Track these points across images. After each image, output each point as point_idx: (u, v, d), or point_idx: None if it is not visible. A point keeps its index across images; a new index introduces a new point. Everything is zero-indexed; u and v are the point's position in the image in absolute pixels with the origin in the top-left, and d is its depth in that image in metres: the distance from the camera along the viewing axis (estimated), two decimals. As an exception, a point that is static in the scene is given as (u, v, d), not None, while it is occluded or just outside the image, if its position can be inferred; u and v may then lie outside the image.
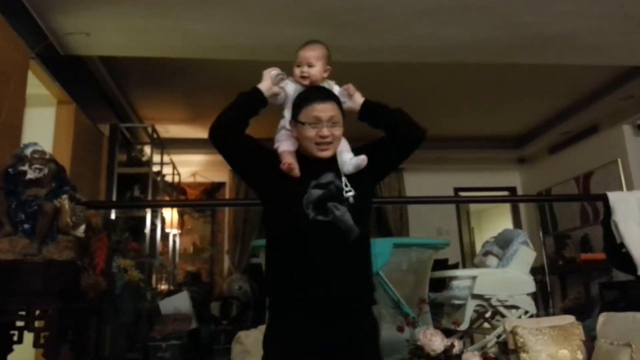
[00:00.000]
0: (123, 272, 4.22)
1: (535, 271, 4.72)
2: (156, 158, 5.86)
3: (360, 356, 1.60)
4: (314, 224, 1.59)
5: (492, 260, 3.43)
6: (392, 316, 3.06)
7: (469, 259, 7.26)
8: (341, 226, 1.59)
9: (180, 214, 7.03)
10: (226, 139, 1.73)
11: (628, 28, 3.65)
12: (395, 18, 3.45)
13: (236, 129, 1.73)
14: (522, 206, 7.53)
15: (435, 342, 2.45)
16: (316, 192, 1.61)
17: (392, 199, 6.96)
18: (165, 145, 6.10)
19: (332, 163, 1.68)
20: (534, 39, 3.79)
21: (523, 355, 2.46)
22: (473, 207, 7.85)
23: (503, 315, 3.24)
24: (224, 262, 7.06)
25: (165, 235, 6.35)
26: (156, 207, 5.49)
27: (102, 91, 4.86)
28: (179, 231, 6.86)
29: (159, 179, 5.84)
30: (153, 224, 5.38)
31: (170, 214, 6.50)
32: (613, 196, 3.21)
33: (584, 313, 4.75)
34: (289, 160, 1.65)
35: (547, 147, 6.86)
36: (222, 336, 5.66)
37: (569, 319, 2.79)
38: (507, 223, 7.60)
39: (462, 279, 3.29)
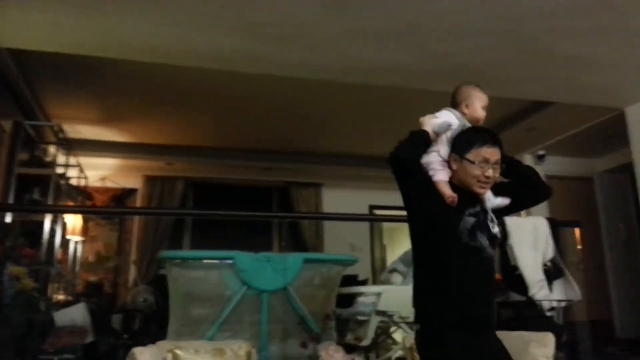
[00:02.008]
0: (15, 279, 3.93)
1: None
2: (62, 159, 5.53)
3: None
4: (466, 248, 1.83)
5: (396, 277, 3.54)
6: (297, 332, 3.06)
7: (379, 275, 7.44)
8: (484, 252, 1.85)
9: (85, 220, 6.64)
10: (407, 164, 1.94)
11: (532, 63, 3.93)
12: (319, 36, 3.50)
13: (415, 158, 1.95)
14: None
15: (336, 358, 2.47)
16: (470, 220, 1.86)
17: (309, 215, 7.01)
18: (73, 146, 5.77)
19: (477, 195, 1.92)
20: (446, 68, 3.99)
21: (420, 371, 2.53)
22: (386, 224, 8.07)
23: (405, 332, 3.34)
24: (129, 272, 6.75)
25: (65, 242, 5.98)
26: (60, 212, 5.16)
27: (8, 85, 4.52)
28: (82, 238, 6.48)
29: (62, 181, 5.50)
30: (52, 230, 5.04)
31: (72, 220, 6.13)
32: (510, 221, 3.42)
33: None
34: (451, 194, 1.86)
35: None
36: (122, 351, 5.38)
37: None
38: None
39: (367, 295, 3.36)
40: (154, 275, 6.52)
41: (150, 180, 6.99)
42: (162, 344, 2.53)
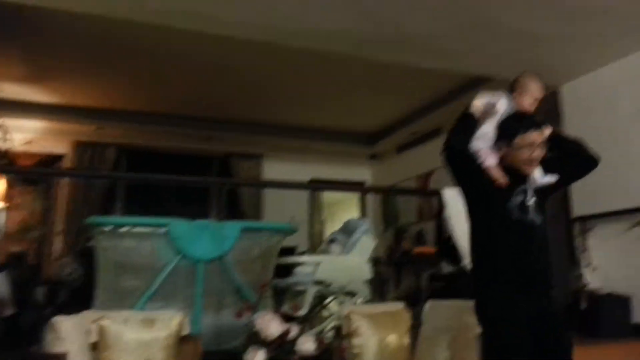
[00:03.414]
0: None
1: (376, 262, 4.96)
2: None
3: (555, 320, 2.06)
4: (518, 223, 2.03)
5: (335, 247, 3.52)
6: (233, 303, 2.98)
7: (317, 248, 7.46)
8: (534, 225, 2.05)
9: (10, 185, 6.20)
10: (461, 154, 2.11)
11: (476, 36, 3.94)
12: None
13: (465, 146, 2.11)
14: (369, 201, 7.92)
15: (272, 327, 2.42)
16: (519, 198, 2.05)
17: (250, 182, 6.87)
18: (-5, 105, 5.36)
19: (525, 175, 2.09)
20: (391, 36, 3.94)
21: (355, 339, 2.53)
22: (326, 198, 8.06)
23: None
24: (55, 243, 6.38)
25: (-14, 209, 5.56)
26: None
27: None
28: (5, 204, 6.05)
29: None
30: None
31: (-7, 186, 5.70)
32: (447, 192, 3.46)
33: (415, 301, 5.12)
34: (501, 177, 2.04)
35: (396, 146, 7.29)
36: (45, 325, 5.10)
37: (399, 305, 2.96)
38: (355, 215, 7.96)
39: (306, 265, 3.32)
40: (82, 247, 6.20)
41: (79, 146, 6.60)
42: (86, 314, 2.39)
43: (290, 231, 3.33)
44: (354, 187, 7.88)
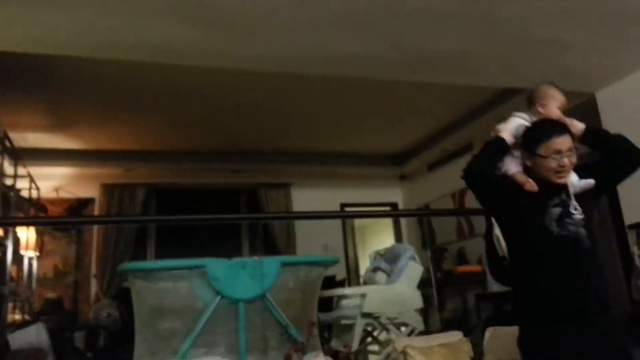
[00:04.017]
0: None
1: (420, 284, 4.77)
2: (9, 170, 5.10)
3: (615, 349, 1.82)
4: (559, 238, 1.83)
5: (381, 276, 3.35)
6: (279, 342, 2.82)
7: (354, 274, 7.26)
8: (579, 240, 1.84)
9: (40, 234, 6.22)
10: (482, 181, 1.99)
11: (504, 50, 3.81)
12: (285, 26, 3.27)
13: (489, 171, 1.98)
14: (403, 221, 7.73)
15: (326, 370, 2.26)
16: (556, 211, 1.86)
17: (279, 215, 6.77)
18: (22, 156, 5.37)
19: (560, 184, 1.90)
20: (415, 57, 3.83)
21: (415, 376, 2.35)
22: (357, 222, 7.92)
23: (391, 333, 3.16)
24: (90, 287, 6.35)
25: (19, 258, 5.55)
26: (10, 224, 4.71)
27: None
28: (37, 253, 6.05)
29: (11, 194, 5.08)
30: (2, 246, 4.63)
31: (26, 234, 5.70)
32: (494, 210, 3.27)
33: (464, 323, 4.88)
34: (528, 180, 1.90)
35: (426, 164, 7.12)
36: (87, 371, 5.03)
37: (457, 335, 2.77)
38: (389, 237, 7.77)
39: (351, 297, 3.15)
40: (118, 289, 6.15)
41: (108, 189, 6.61)
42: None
43: (331, 262, 3.18)
44: (385, 213, 7.71)
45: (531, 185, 1.88)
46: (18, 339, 4.23)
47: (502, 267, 3.23)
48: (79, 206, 6.58)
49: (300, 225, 6.97)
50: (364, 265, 6.89)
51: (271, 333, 2.85)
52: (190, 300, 2.99)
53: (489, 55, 3.90)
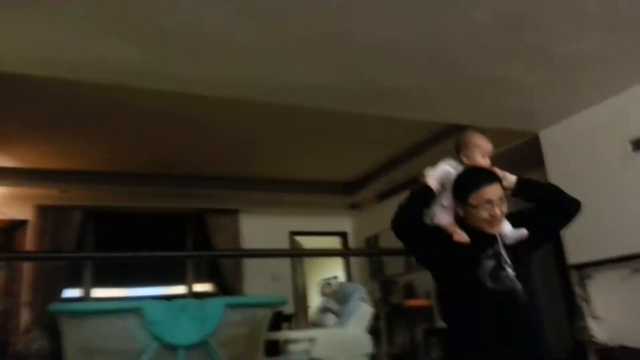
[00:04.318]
0: None
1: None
2: None
3: None
4: (494, 293, 1.74)
5: (330, 318, 3.24)
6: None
7: (302, 304, 7.12)
8: (514, 294, 1.74)
9: (-35, 258, 5.76)
10: (410, 232, 1.92)
11: (456, 86, 3.85)
12: (241, 50, 3.16)
13: (417, 222, 1.91)
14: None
15: None
16: (489, 263, 1.77)
17: (228, 253, 6.56)
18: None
19: (494, 235, 1.82)
20: (370, 89, 3.82)
21: None
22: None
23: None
24: (21, 315, 5.89)
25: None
26: None
27: None
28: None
29: None
30: None
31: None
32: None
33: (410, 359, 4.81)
34: (457, 231, 1.82)
35: (376, 194, 7.12)
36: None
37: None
38: (338, 265, 7.70)
39: (299, 342, 3.02)
40: (50, 318, 5.74)
41: (42, 210, 6.21)
42: None
43: (278, 304, 3.05)
44: (335, 251, 7.64)
45: (459, 236, 1.81)
46: None
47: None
48: (11, 227, 6.14)
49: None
50: (313, 294, 6.77)
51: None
52: (126, 341, 2.80)
53: (439, 91, 3.94)
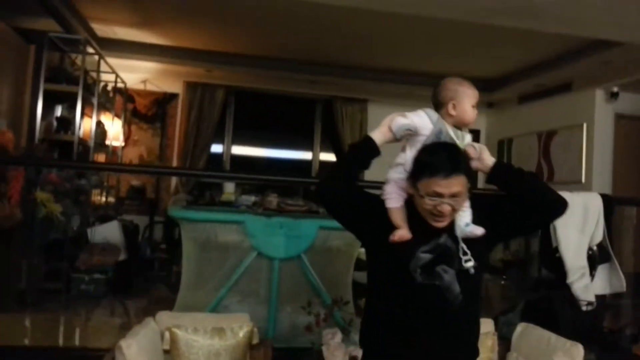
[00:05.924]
0: (42, 205, 3.97)
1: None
2: (93, 65, 5.33)
3: None
4: (422, 290, 1.50)
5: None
6: (312, 302, 2.89)
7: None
8: (446, 292, 1.50)
9: (128, 123, 6.63)
10: (336, 200, 1.64)
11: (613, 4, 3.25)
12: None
13: (347, 187, 1.63)
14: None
15: (337, 356, 2.33)
16: (425, 257, 1.49)
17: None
18: (109, 46, 5.65)
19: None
20: (520, 6, 3.38)
21: None
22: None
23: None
24: (171, 178, 6.80)
25: (106, 149, 6.02)
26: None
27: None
28: (123, 143, 6.50)
29: (98, 88, 5.36)
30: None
31: (112, 125, 6.11)
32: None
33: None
34: (400, 231, 1.51)
35: (517, 96, 6.54)
36: (156, 264, 5.57)
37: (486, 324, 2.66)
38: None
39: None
40: (195, 183, 6.56)
41: (190, 86, 6.78)
42: (161, 316, 2.46)
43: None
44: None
45: (398, 236, 1.50)
46: (95, 234, 4.72)
47: (553, 258, 3.05)
48: (164, 100, 6.84)
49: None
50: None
51: (304, 293, 2.95)
52: (233, 242, 3.11)
53: (592, 7, 3.36)
